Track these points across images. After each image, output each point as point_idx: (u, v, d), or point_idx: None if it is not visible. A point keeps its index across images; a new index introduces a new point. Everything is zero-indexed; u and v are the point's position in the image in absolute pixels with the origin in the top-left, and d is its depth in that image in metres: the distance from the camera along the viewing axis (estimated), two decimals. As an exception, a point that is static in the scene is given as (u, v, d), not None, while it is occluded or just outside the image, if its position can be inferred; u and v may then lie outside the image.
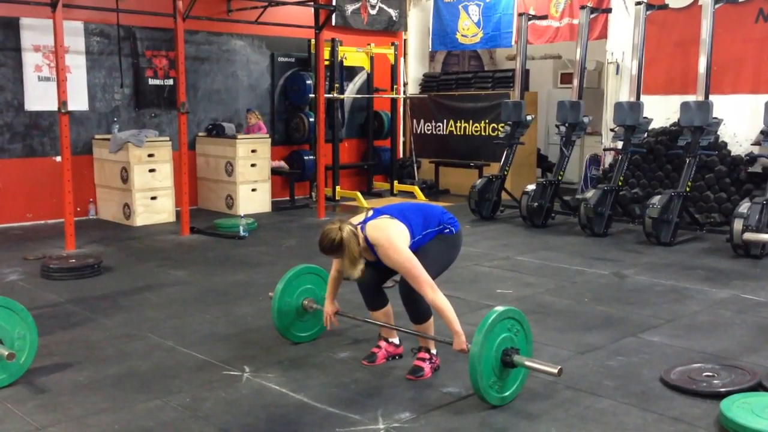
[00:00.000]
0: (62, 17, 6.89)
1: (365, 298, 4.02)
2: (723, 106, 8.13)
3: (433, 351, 3.90)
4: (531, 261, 6.75)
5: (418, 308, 3.77)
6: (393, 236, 3.67)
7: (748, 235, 4.31)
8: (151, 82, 9.37)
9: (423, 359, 3.86)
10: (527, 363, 3.43)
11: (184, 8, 7.70)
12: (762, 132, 7.72)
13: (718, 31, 7.94)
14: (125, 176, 8.47)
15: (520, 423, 3.32)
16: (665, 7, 8.72)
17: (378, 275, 3.95)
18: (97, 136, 8.93)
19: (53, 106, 7.21)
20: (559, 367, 3.35)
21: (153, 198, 8.56)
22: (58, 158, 7.83)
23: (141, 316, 4.99)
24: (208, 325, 4.77)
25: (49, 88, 8.05)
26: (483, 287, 5.71)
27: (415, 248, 3.72)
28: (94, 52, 8.88)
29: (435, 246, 3.82)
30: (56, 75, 6.99)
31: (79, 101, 8.69)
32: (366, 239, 3.71)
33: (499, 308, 3.49)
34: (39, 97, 8.42)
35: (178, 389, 3.69)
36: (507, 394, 3.49)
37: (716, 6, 7.81)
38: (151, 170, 8.53)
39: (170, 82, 9.40)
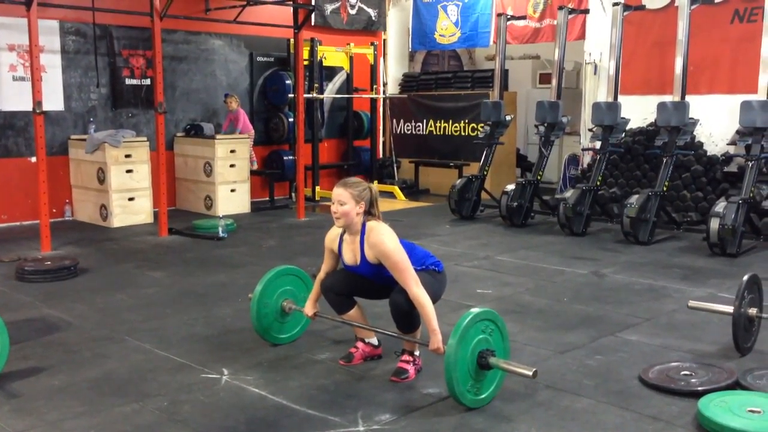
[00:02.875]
0: (37, 16, 6.79)
1: (330, 301, 4.02)
2: (699, 106, 8.21)
3: (417, 353, 3.89)
4: (511, 260, 6.77)
5: (412, 320, 3.74)
6: (389, 230, 3.74)
7: (693, 303, 4.45)
8: (128, 81, 9.28)
9: (407, 361, 3.85)
10: (503, 365, 3.43)
11: (161, 7, 7.62)
12: (737, 132, 7.82)
13: (694, 31, 8.02)
14: (102, 177, 8.38)
15: (501, 423, 3.32)
16: (642, 8, 8.80)
17: (341, 283, 3.96)
18: (73, 137, 8.82)
19: (28, 106, 7.11)
20: (534, 369, 3.35)
21: (130, 199, 8.48)
22: (33, 159, 7.73)
23: (118, 318, 4.93)
24: (187, 327, 4.73)
25: (24, 88, 7.94)
26: (463, 287, 5.71)
27: None
28: (69, 52, 8.77)
29: (423, 277, 3.77)
30: (31, 75, 6.90)
31: (54, 101, 8.58)
32: (363, 224, 3.75)
33: (474, 310, 3.48)
34: (13, 97, 8.31)
35: (156, 392, 3.65)
36: (483, 396, 3.49)
37: (692, 7, 7.89)
38: (129, 171, 8.44)
39: (147, 81, 9.32)
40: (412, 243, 3.94)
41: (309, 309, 4.14)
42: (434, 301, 3.83)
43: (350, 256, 3.86)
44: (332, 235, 3.98)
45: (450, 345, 3.35)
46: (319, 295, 4.12)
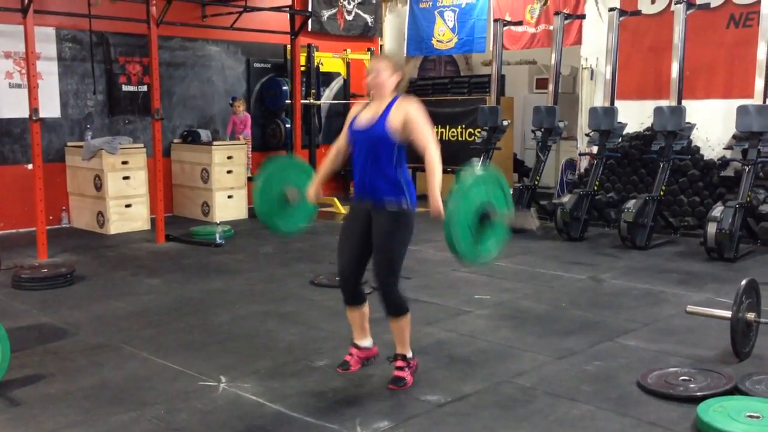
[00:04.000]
0: (33, 23, 6.79)
1: (344, 290, 3.91)
2: (695, 110, 8.22)
3: (409, 355, 3.86)
4: (509, 266, 6.76)
5: (393, 300, 3.70)
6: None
7: (691, 308, 4.44)
8: (125, 88, 9.27)
9: (401, 368, 3.83)
10: (505, 218, 3.45)
11: (157, 14, 7.63)
12: (734, 136, 7.82)
13: (690, 36, 8.04)
14: (99, 184, 8.37)
15: (499, 429, 3.31)
16: (638, 13, 8.81)
17: (359, 264, 3.86)
18: (69, 144, 8.80)
19: (25, 114, 7.10)
20: (538, 223, 3.37)
21: (127, 206, 8.46)
22: (30, 166, 7.71)
23: (114, 326, 4.91)
24: (184, 335, 4.72)
25: (21, 95, 7.90)
26: (461, 293, 5.71)
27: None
28: (66, 59, 8.76)
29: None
30: (27, 82, 6.89)
31: (51, 108, 8.56)
32: (396, 96, 3.71)
33: (478, 171, 3.48)
34: (10, 105, 8.28)
35: (153, 401, 3.63)
36: (483, 254, 3.52)
37: (688, 12, 7.91)
38: (126, 177, 8.43)
39: (144, 88, 9.31)
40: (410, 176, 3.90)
41: (312, 192, 4.08)
42: (409, 242, 3.78)
43: (369, 116, 3.75)
44: (357, 106, 3.92)
45: (451, 199, 3.31)
46: (322, 180, 4.07)
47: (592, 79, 9.69)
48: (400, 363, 3.83)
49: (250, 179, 9.77)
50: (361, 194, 3.78)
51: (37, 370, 4.05)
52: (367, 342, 4.05)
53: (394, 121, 3.65)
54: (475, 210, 3.39)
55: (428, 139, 3.61)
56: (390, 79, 3.70)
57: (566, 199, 8.02)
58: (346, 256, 3.91)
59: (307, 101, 10.29)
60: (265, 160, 4.20)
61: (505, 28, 9.96)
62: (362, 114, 3.80)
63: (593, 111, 8.43)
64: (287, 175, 4.22)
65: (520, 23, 10.35)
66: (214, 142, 9.30)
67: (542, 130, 8.88)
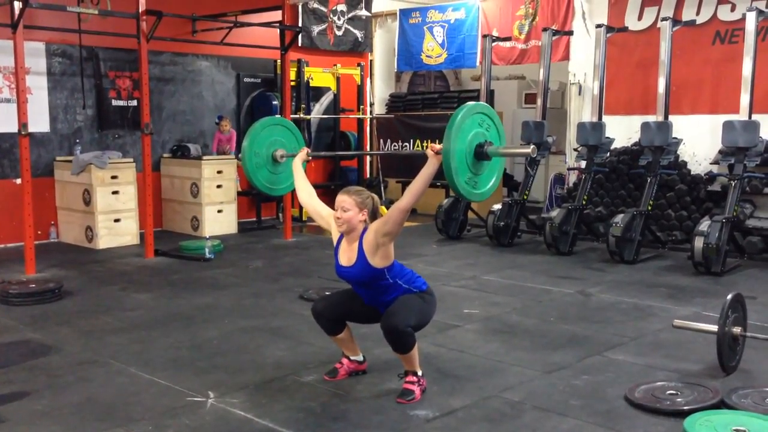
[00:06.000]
0: (23, 38, 6.80)
1: (322, 325, 4.03)
2: (682, 126, 8.30)
3: (419, 373, 3.87)
4: (497, 280, 6.79)
5: (405, 341, 3.71)
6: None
7: (678, 322, 4.47)
8: (115, 103, 9.27)
9: (412, 382, 3.82)
10: (501, 151, 3.51)
11: (148, 29, 7.64)
12: (720, 151, 7.90)
13: (676, 53, 8.13)
14: (88, 198, 8.35)
15: (487, 445, 3.31)
16: (625, 29, 8.90)
17: (333, 308, 3.99)
18: (58, 158, 8.79)
19: (14, 128, 7.09)
20: (533, 146, 3.42)
21: (116, 220, 8.44)
22: (19, 180, 7.70)
23: (102, 341, 4.90)
24: (172, 350, 4.70)
25: (10, 110, 7.91)
26: (450, 307, 5.71)
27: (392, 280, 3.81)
28: (55, 73, 8.76)
29: (414, 300, 3.82)
30: (17, 96, 6.89)
31: (40, 123, 8.55)
32: (364, 228, 3.77)
33: (469, 104, 3.56)
34: (-1, 119, 8.29)
35: (140, 417, 3.62)
36: (484, 190, 3.59)
37: (674, 28, 8.00)
38: (115, 192, 8.41)
39: (134, 103, 9.31)
40: (401, 264, 3.95)
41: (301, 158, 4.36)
42: (427, 321, 3.88)
43: (345, 257, 3.84)
44: (335, 230, 3.96)
45: (447, 136, 3.35)
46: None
47: (580, 94, 9.77)
48: (410, 378, 3.83)
49: (239, 194, 9.79)
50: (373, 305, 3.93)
51: (23, 386, 4.02)
52: (359, 357, 4.11)
53: (370, 251, 3.72)
54: (471, 145, 3.45)
55: (397, 204, 3.65)
56: (357, 217, 3.77)
57: (555, 213, 8.07)
58: (337, 307, 3.98)
59: (297, 116, 10.32)
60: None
61: (494, 44, 10.04)
62: (342, 247, 3.88)
63: (581, 126, 8.50)
64: (270, 134, 4.40)
65: (508, 39, 10.44)
66: (204, 157, 9.30)
67: (531, 144, 8.93)
